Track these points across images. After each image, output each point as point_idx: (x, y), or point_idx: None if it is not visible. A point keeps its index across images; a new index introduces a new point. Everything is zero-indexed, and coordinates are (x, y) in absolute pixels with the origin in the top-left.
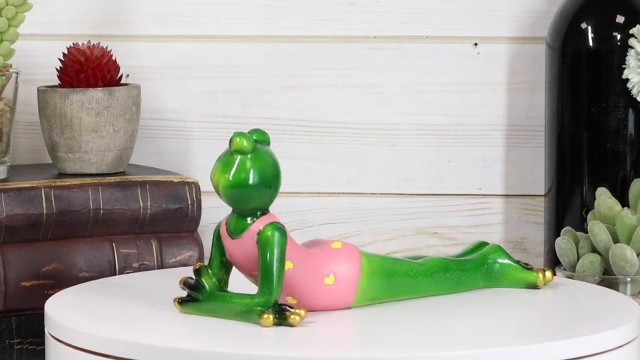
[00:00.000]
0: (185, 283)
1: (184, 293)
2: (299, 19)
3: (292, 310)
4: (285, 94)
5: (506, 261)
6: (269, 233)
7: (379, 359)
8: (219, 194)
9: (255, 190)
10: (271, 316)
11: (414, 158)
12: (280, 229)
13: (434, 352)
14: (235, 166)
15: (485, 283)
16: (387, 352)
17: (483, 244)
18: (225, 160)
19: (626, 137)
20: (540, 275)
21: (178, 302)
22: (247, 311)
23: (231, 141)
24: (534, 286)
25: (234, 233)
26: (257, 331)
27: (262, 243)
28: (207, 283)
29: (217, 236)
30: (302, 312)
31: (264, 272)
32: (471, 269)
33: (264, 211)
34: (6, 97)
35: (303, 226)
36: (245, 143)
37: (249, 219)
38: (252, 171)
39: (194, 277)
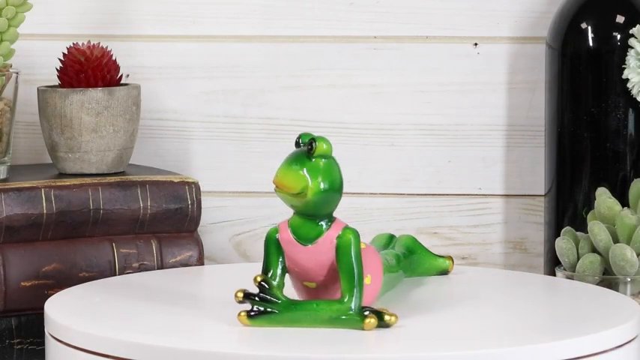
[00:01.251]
0: (248, 297)
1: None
2: (299, 19)
3: (386, 311)
4: (285, 94)
5: (423, 250)
6: (350, 237)
7: (380, 359)
8: (299, 199)
9: (338, 194)
10: (374, 320)
11: (414, 158)
12: (356, 232)
13: (434, 352)
14: (325, 170)
15: (408, 273)
16: (387, 352)
17: (392, 236)
18: (308, 165)
19: (626, 137)
20: (450, 262)
21: (247, 317)
22: (343, 317)
23: (314, 146)
24: (445, 272)
25: (307, 240)
26: (254, 331)
27: (344, 247)
28: (278, 293)
29: (275, 244)
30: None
31: (349, 276)
32: (405, 261)
33: (332, 216)
34: (6, 97)
35: None
36: (324, 147)
37: (323, 224)
38: (336, 175)
39: (259, 289)
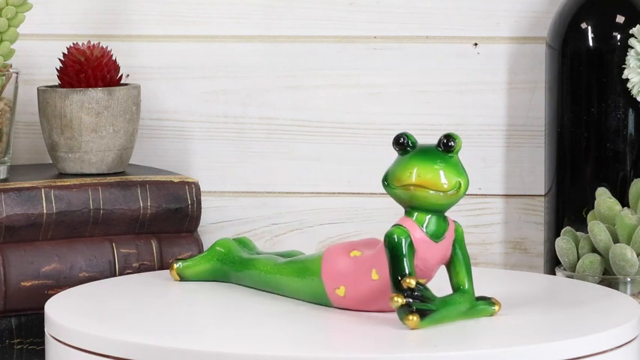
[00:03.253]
0: (411, 298)
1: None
2: (299, 19)
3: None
4: (285, 94)
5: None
6: (462, 229)
7: (380, 359)
8: (447, 196)
9: None
10: (497, 307)
11: None
12: None
13: (434, 352)
14: (463, 166)
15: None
16: (387, 353)
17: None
18: (450, 162)
19: (626, 137)
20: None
21: (420, 319)
22: (477, 307)
23: (455, 143)
24: None
25: (438, 237)
26: (250, 330)
27: (462, 239)
28: (431, 292)
29: (409, 245)
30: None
31: (467, 266)
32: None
33: None
34: (6, 97)
35: (303, 226)
36: (459, 143)
37: (443, 219)
38: None
39: (415, 291)
